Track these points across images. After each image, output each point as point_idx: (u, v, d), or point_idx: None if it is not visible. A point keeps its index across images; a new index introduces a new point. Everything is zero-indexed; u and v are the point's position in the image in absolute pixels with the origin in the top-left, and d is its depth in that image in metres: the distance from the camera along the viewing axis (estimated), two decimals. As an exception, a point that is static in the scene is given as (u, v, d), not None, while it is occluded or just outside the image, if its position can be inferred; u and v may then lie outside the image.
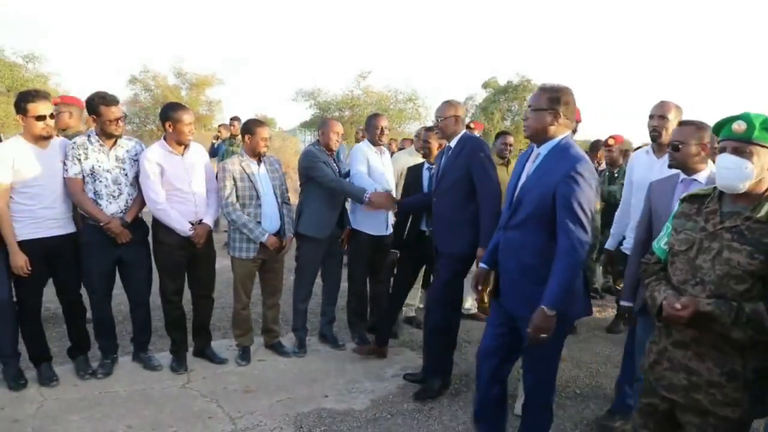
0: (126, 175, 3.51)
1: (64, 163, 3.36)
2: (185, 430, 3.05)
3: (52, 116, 3.32)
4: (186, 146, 3.66)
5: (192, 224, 3.62)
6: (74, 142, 3.41)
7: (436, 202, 3.50)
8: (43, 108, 3.26)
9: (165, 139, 3.63)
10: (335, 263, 4.38)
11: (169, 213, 3.54)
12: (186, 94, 28.19)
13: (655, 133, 3.19)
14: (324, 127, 4.17)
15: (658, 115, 3.18)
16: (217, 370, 3.81)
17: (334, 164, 4.13)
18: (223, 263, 4.24)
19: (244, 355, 3.96)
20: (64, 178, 3.37)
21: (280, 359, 4.02)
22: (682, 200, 2.04)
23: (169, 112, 3.58)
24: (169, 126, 3.57)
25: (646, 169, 3.25)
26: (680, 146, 2.59)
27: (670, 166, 2.71)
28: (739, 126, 1.81)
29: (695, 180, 2.59)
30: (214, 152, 8.21)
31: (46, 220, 3.34)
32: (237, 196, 3.75)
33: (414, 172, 4.23)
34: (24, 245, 3.27)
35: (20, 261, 3.24)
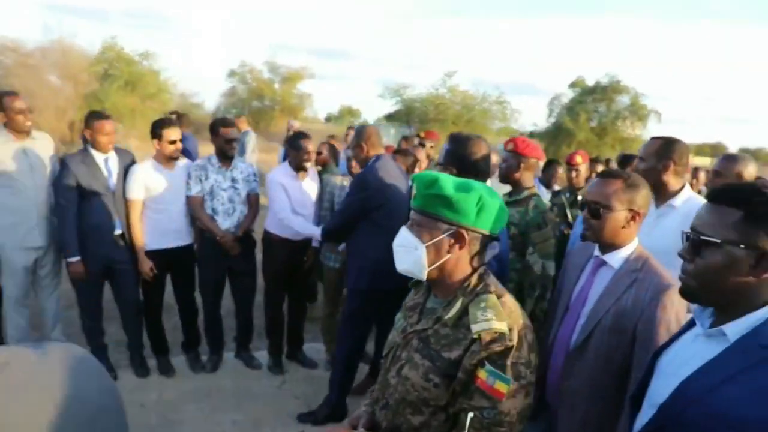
0: (239, 194, 3.92)
1: (188, 183, 3.82)
2: (282, 430, 3.43)
3: (180, 141, 3.79)
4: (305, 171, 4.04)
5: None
6: (197, 164, 3.86)
7: None
8: (174, 134, 3.74)
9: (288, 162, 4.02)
10: None
11: (293, 221, 3.89)
12: (279, 87, 29.38)
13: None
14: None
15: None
16: (309, 373, 4.19)
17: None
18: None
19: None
20: (187, 196, 3.83)
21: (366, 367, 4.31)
22: (411, 285, 1.62)
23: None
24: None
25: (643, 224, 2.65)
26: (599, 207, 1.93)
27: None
28: (414, 189, 1.45)
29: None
30: None
31: (170, 232, 3.82)
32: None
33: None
34: (150, 254, 3.77)
35: (146, 267, 3.74)
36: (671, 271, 1.73)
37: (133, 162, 3.83)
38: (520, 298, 2.99)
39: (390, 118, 28.64)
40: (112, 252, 3.70)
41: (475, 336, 1.29)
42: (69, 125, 19.51)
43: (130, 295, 3.86)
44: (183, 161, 3.94)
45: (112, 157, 3.71)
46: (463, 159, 2.39)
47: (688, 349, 1.32)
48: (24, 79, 18.48)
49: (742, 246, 1.17)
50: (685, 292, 1.31)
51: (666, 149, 2.45)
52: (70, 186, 3.54)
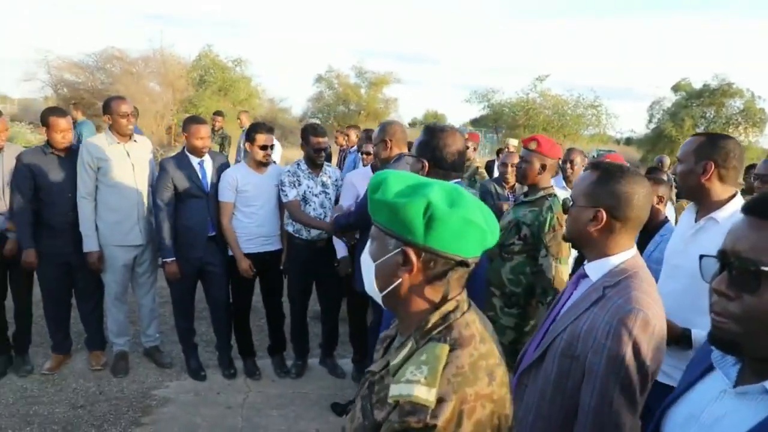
0: (330, 199, 3.87)
1: (282, 189, 3.80)
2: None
3: (271, 147, 3.79)
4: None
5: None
6: (288, 170, 3.84)
7: None
8: (266, 139, 3.74)
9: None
10: None
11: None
12: (365, 92, 29.81)
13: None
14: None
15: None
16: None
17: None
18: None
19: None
20: (286, 202, 3.76)
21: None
22: None
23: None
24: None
25: (678, 237, 2.24)
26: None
27: None
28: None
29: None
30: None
31: (259, 237, 3.82)
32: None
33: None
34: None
35: (245, 264, 3.74)
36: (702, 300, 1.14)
37: (226, 165, 3.88)
38: (528, 304, 2.88)
39: (476, 122, 28.29)
40: (204, 254, 3.75)
41: (392, 402, 0.99)
42: (167, 129, 20.82)
43: (220, 297, 3.91)
44: (274, 166, 3.94)
45: (207, 160, 3.77)
46: (434, 151, 2.18)
47: (713, 408, 0.97)
48: (128, 85, 19.92)
49: None
50: (721, 340, 0.93)
51: (707, 148, 1.99)
52: (167, 188, 3.64)
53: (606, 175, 1.54)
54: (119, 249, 3.76)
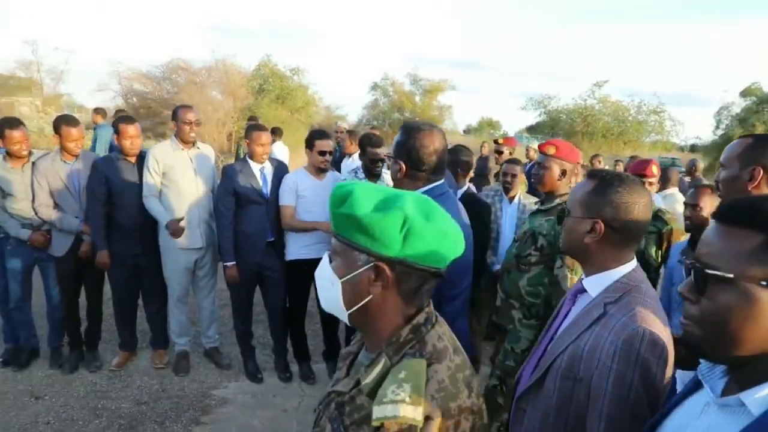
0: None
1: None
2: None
3: (330, 153, 3.85)
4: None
5: None
6: (345, 178, 3.88)
7: None
8: (325, 145, 3.80)
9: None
10: None
11: None
12: (420, 99, 29.86)
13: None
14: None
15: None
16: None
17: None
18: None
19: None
20: None
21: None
22: None
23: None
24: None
25: None
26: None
27: None
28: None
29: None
30: None
31: (315, 243, 3.85)
32: None
33: None
34: (295, 263, 3.83)
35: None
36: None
37: (285, 170, 3.97)
38: (548, 315, 2.68)
39: (532, 130, 27.82)
40: (263, 259, 3.84)
41: (376, 424, 0.94)
42: (227, 136, 21.53)
43: (277, 302, 3.98)
44: (332, 172, 4.00)
45: (267, 166, 3.86)
46: (410, 151, 2.00)
47: (698, 422, 0.95)
48: (191, 95, 20.76)
49: (764, 283, 0.83)
50: (687, 344, 0.95)
51: (755, 151, 1.80)
52: (229, 193, 3.75)
53: (604, 184, 1.46)
54: (181, 252, 3.90)
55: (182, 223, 3.73)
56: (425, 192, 1.94)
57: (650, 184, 3.95)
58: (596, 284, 1.46)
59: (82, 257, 3.78)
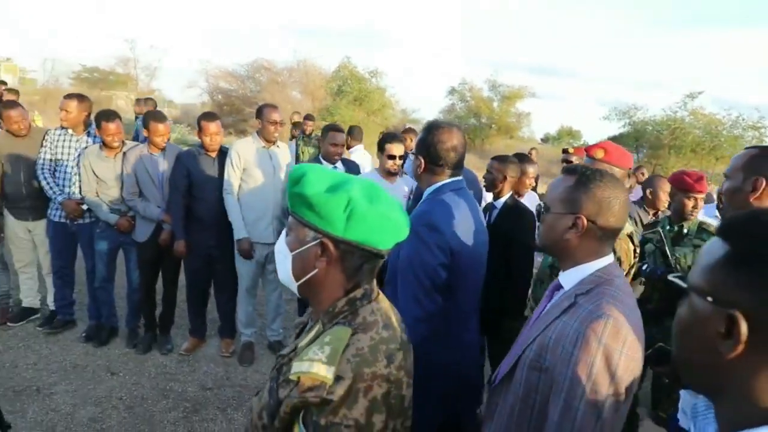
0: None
1: (409, 198, 3.85)
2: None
3: (401, 157, 3.85)
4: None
5: None
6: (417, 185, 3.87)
7: None
8: (396, 149, 3.80)
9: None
10: None
11: None
12: (497, 105, 29.37)
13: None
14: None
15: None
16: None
17: None
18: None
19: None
20: None
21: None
22: None
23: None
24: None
25: None
26: None
27: None
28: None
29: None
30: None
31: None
32: None
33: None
34: None
35: None
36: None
37: (357, 173, 4.01)
38: None
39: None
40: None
41: (293, 378, 1.06)
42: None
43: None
44: (403, 177, 4.00)
45: (339, 167, 3.92)
46: (429, 147, 2.07)
47: None
48: (273, 93, 21.47)
49: (709, 299, 0.74)
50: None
51: (759, 162, 1.71)
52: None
53: (585, 179, 1.43)
54: (254, 245, 4.02)
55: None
56: (442, 186, 2.04)
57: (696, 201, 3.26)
58: (571, 278, 1.45)
59: (162, 245, 3.98)
